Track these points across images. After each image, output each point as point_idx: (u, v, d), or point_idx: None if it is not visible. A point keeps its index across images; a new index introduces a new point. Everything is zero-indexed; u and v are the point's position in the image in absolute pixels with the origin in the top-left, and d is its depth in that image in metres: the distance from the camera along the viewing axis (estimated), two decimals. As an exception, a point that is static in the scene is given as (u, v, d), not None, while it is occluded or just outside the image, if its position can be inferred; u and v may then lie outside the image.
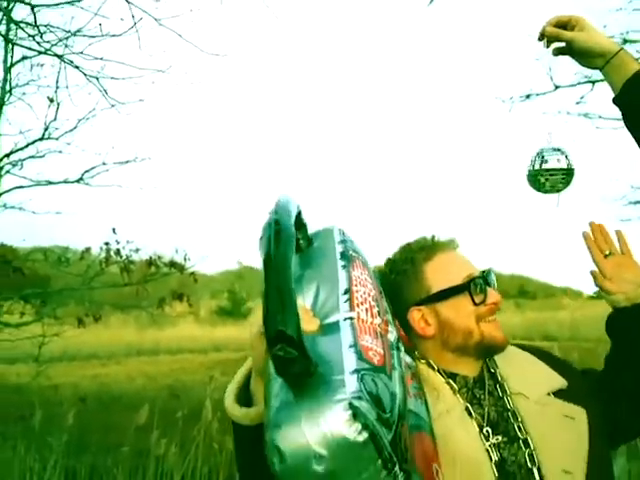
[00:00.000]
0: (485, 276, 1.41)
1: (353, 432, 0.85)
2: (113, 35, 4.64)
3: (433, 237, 1.47)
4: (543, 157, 1.65)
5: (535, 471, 1.32)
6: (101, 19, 4.62)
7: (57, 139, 5.97)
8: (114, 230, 6.29)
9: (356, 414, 0.85)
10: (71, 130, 5.92)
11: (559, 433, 1.37)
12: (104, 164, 6.07)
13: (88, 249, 6.39)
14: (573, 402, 1.41)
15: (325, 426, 0.85)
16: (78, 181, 6.12)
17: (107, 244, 6.29)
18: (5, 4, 4.57)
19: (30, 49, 4.96)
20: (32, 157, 6.02)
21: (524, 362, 1.49)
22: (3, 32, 5.03)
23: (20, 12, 4.79)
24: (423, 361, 1.42)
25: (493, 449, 1.34)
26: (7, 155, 5.86)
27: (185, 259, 6.36)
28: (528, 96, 7.71)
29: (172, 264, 6.37)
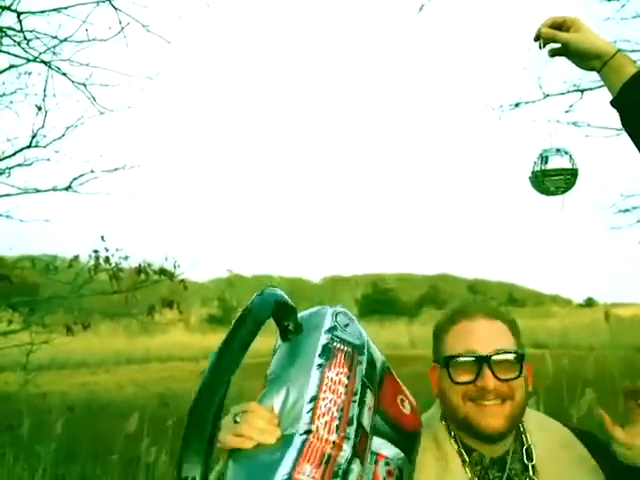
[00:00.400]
0: (483, 357, 1.31)
1: None
2: (101, 40, 4.63)
3: (469, 303, 1.41)
4: (546, 158, 1.60)
5: None
6: (88, 26, 4.61)
7: (45, 147, 5.95)
8: (103, 238, 6.27)
9: None
10: (59, 138, 5.90)
11: None
12: (92, 172, 6.05)
13: (77, 257, 6.36)
14: None
15: None
16: (66, 189, 6.10)
17: (96, 252, 6.27)
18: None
19: (17, 56, 4.95)
20: (20, 165, 5.99)
21: (570, 462, 1.37)
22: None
23: (6, 20, 4.78)
24: (444, 422, 1.39)
25: None
26: (-5, 163, 5.83)
27: (175, 266, 6.34)
28: (517, 104, 7.75)
29: (162, 271, 6.35)
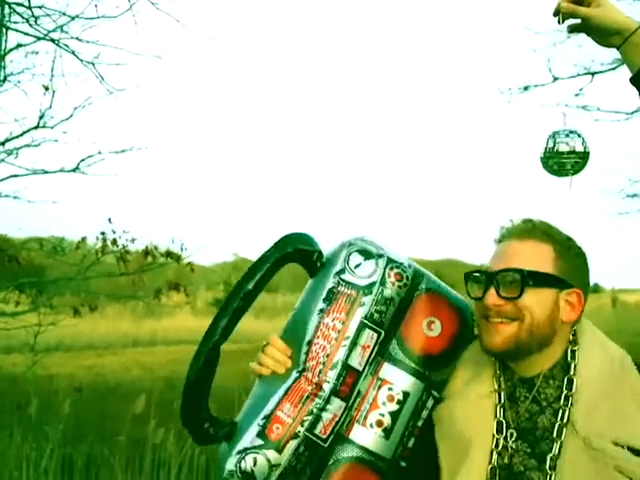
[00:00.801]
0: (489, 274, 1.31)
1: None
2: (110, 17, 4.59)
3: (512, 222, 1.39)
4: (557, 139, 1.58)
5: None
6: (96, 3, 4.57)
7: (53, 128, 5.94)
8: (110, 220, 6.26)
9: None
10: (67, 118, 5.87)
11: None
12: (100, 153, 6.03)
13: (84, 238, 6.36)
14: None
15: None
16: (74, 170, 6.08)
17: (103, 234, 6.26)
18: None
19: (25, 34, 4.92)
20: (27, 146, 5.98)
21: (618, 395, 1.27)
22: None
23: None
24: None
25: (505, 451, 1.30)
26: (2, 143, 5.82)
27: (182, 249, 6.33)
28: (527, 88, 7.69)
29: (169, 254, 6.34)
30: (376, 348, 1.33)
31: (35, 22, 4.49)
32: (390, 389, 1.34)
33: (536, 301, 1.29)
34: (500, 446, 1.30)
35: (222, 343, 1.37)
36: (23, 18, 4.51)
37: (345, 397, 1.31)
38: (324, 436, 1.30)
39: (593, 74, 7.23)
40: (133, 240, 6.28)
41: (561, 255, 1.33)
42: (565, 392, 1.29)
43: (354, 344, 1.31)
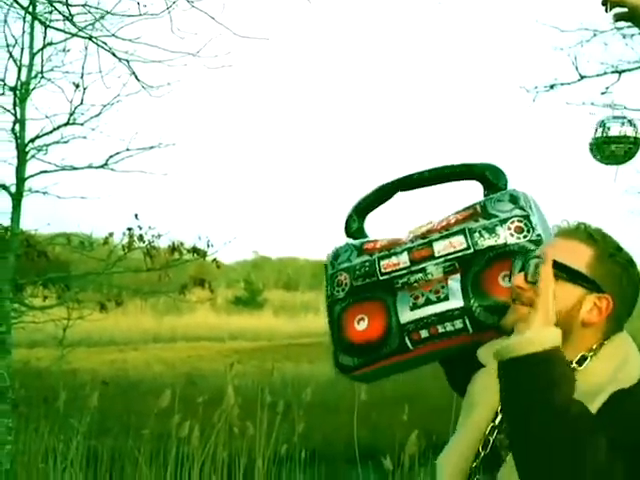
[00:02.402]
0: (524, 259, 1.32)
1: None
2: (148, 14, 4.62)
3: (567, 223, 1.39)
4: (607, 126, 1.57)
5: None
6: (132, 1, 4.62)
7: (82, 124, 5.99)
8: (136, 216, 6.31)
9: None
10: (97, 115, 5.93)
11: None
12: (128, 150, 6.07)
13: (111, 234, 6.41)
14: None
15: None
16: (102, 166, 6.14)
17: (130, 229, 6.32)
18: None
19: (62, 31, 4.97)
20: (57, 142, 6.04)
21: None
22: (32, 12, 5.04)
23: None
24: None
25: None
26: (32, 140, 5.89)
27: (208, 245, 6.36)
28: (552, 86, 7.65)
29: (195, 250, 6.37)
30: (458, 254, 1.52)
31: (72, 19, 4.53)
32: (442, 287, 1.52)
33: (557, 293, 1.27)
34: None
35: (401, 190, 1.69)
36: (63, 16, 4.56)
37: (412, 260, 1.55)
38: (383, 270, 1.56)
39: (620, 72, 7.19)
40: (159, 236, 6.33)
41: (601, 259, 1.31)
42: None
43: (446, 237, 1.54)
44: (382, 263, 1.57)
